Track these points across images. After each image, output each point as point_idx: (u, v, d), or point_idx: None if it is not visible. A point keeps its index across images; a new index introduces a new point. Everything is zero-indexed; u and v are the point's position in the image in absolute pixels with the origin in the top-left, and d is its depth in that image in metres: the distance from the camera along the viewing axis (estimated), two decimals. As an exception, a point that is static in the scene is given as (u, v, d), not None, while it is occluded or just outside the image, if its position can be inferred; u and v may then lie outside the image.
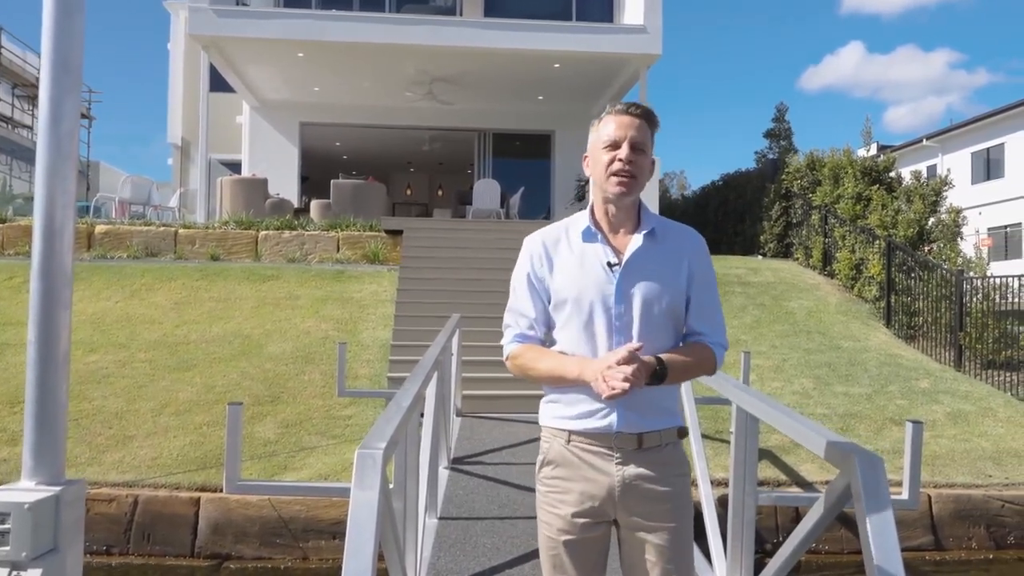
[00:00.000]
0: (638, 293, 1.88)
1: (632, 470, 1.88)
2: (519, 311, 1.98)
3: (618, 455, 1.88)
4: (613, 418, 1.87)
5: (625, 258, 1.90)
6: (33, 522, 1.25)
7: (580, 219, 1.98)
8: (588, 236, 1.94)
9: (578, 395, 1.89)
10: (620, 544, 1.96)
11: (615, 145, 1.90)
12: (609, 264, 1.90)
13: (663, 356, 1.84)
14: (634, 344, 1.80)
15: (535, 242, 1.99)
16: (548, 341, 1.98)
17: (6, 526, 1.24)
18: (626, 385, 1.71)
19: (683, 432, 1.98)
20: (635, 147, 1.89)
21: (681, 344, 1.96)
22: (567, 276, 1.92)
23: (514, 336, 1.98)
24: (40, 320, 1.34)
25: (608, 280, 1.89)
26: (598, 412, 1.88)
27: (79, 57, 1.35)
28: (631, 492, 1.88)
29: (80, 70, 1.35)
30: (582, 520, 1.89)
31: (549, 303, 1.95)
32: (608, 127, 1.92)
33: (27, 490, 1.33)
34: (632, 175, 1.88)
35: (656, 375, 1.80)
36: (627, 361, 1.74)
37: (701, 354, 1.93)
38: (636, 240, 1.92)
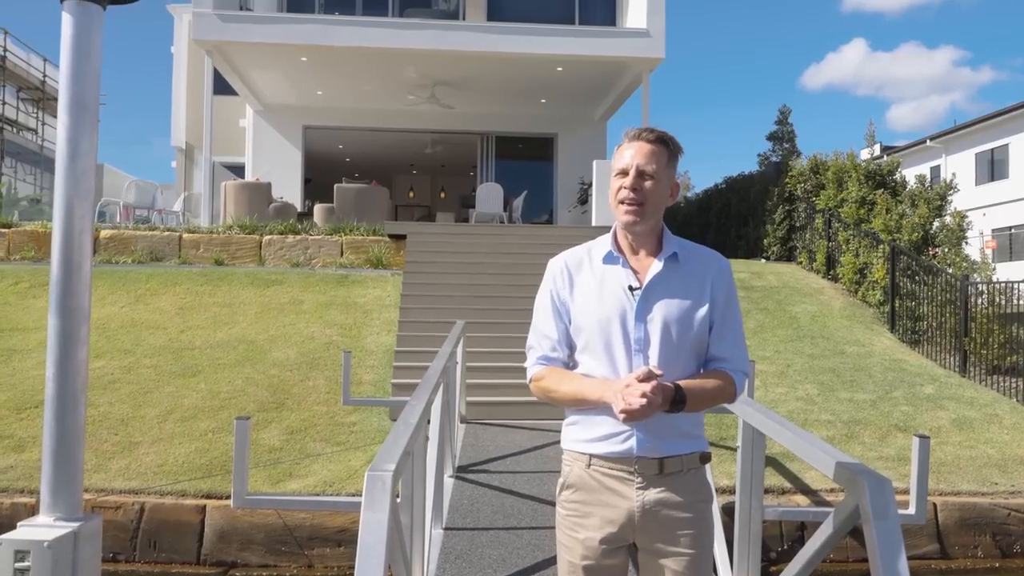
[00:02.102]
0: (658, 317, 1.88)
1: (653, 495, 1.88)
2: (542, 332, 1.99)
3: (639, 480, 1.88)
4: (633, 442, 1.87)
5: (646, 281, 1.91)
6: (52, 559, 1.26)
7: (603, 242, 2.00)
8: (610, 259, 1.96)
9: (599, 417, 1.89)
10: (638, 569, 1.96)
11: (624, 173, 1.92)
12: (630, 287, 1.91)
13: (681, 383, 1.83)
14: (655, 367, 1.80)
15: (558, 264, 2.01)
16: (572, 363, 1.98)
17: (26, 564, 1.25)
18: (643, 401, 1.70)
19: (706, 458, 1.97)
20: (642, 174, 1.90)
21: (702, 371, 1.95)
22: (587, 299, 1.93)
23: (537, 358, 1.99)
24: (58, 357, 1.35)
25: (628, 304, 1.89)
26: (619, 435, 1.88)
27: (95, 97, 1.37)
28: (651, 518, 1.88)
29: (96, 109, 1.37)
30: (603, 546, 1.89)
31: (570, 325, 1.96)
32: (620, 155, 1.95)
33: (45, 526, 1.34)
34: (639, 202, 1.90)
35: (674, 403, 1.80)
36: (646, 379, 1.74)
37: (722, 382, 1.92)
38: (657, 264, 1.92)
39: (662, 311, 1.89)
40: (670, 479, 1.89)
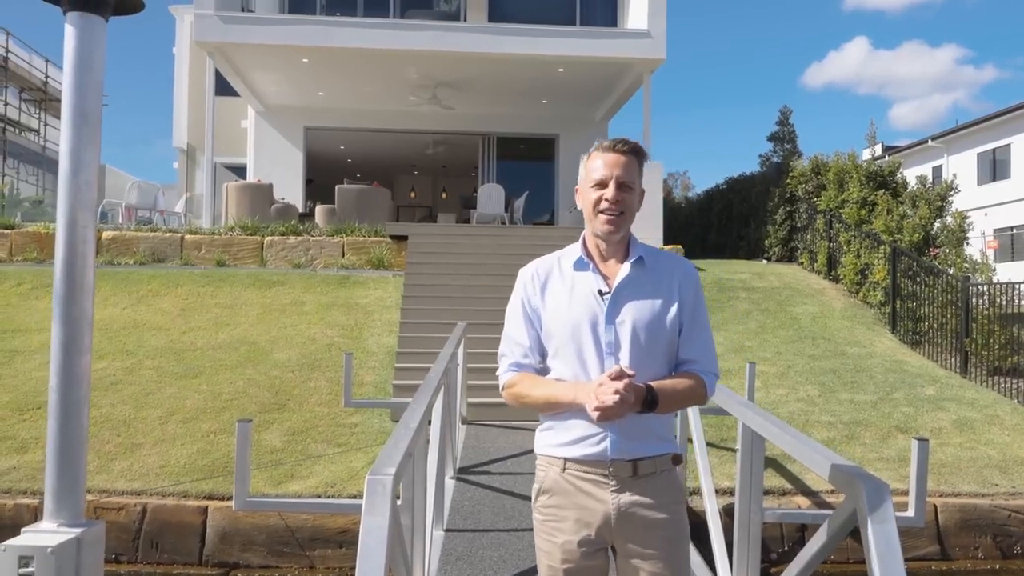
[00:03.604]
0: (628, 320, 1.92)
1: (627, 497, 1.91)
2: (514, 339, 2.02)
3: (613, 482, 1.91)
4: (607, 444, 1.90)
5: (615, 285, 1.95)
6: (56, 565, 1.28)
7: (572, 250, 2.04)
8: (580, 265, 2.00)
9: (573, 421, 1.92)
10: (618, 572, 1.99)
11: (602, 184, 1.96)
12: (600, 292, 1.95)
13: (653, 384, 1.87)
14: (626, 367, 1.83)
15: (528, 272, 2.05)
16: (544, 369, 2.01)
17: (30, 569, 1.26)
18: (616, 398, 1.74)
19: (678, 459, 2.01)
20: (621, 185, 1.96)
21: (673, 373, 1.99)
22: (559, 304, 1.97)
23: (509, 365, 2.02)
24: (61, 366, 1.37)
25: (599, 308, 1.93)
26: (592, 438, 1.91)
27: (98, 108, 1.38)
28: (627, 519, 1.91)
29: (99, 121, 1.39)
30: (581, 548, 1.92)
31: (541, 331, 1.99)
32: (596, 165, 1.99)
33: (49, 532, 1.35)
34: (620, 212, 1.95)
35: (646, 403, 1.83)
36: (617, 377, 1.78)
37: (692, 383, 1.96)
38: (625, 268, 1.97)
39: (632, 314, 1.93)
40: (643, 481, 1.92)
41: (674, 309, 1.96)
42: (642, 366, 1.89)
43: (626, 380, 1.77)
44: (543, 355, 2.00)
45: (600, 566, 1.96)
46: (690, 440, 4.74)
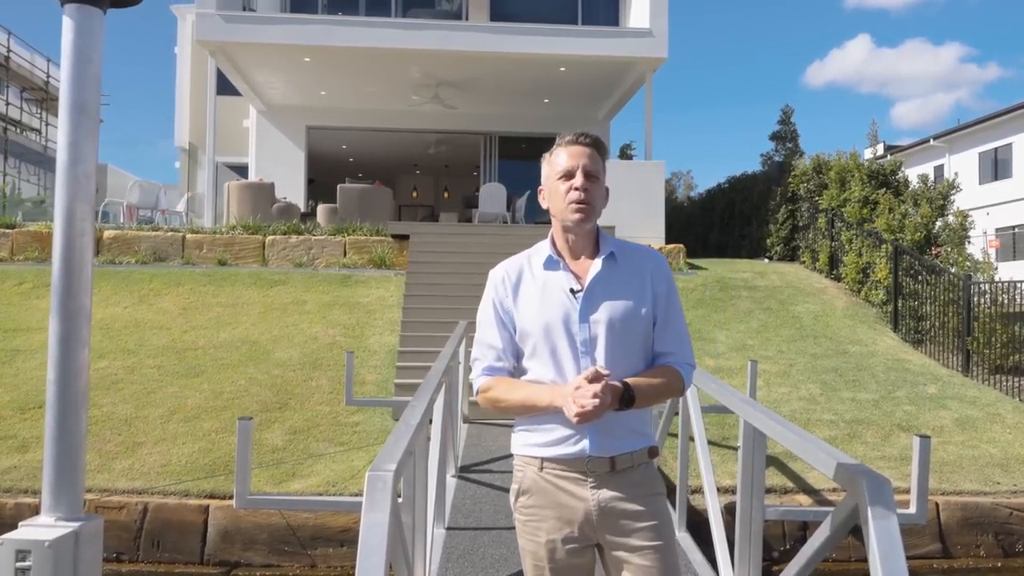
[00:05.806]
0: (602, 317, 1.91)
1: (607, 493, 1.90)
2: (487, 343, 2.00)
3: (592, 479, 1.90)
4: (585, 443, 1.89)
5: (586, 283, 1.93)
6: (53, 559, 1.27)
7: (542, 249, 2.03)
8: (550, 264, 1.98)
9: (551, 423, 1.91)
10: (605, 569, 1.98)
11: (569, 175, 1.95)
12: (572, 291, 1.93)
13: (629, 381, 1.85)
14: (602, 368, 1.81)
15: (499, 274, 2.03)
16: (518, 371, 2.00)
17: (27, 563, 1.26)
18: (596, 402, 1.72)
19: (654, 452, 2.00)
20: (588, 175, 1.94)
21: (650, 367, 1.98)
22: (531, 305, 1.95)
23: (483, 369, 2.00)
24: (59, 360, 1.36)
25: (571, 306, 1.92)
26: (571, 438, 1.90)
27: (96, 100, 1.38)
28: (609, 515, 1.90)
29: (97, 113, 1.38)
30: (566, 546, 1.92)
31: (515, 333, 1.98)
32: (561, 158, 1.98)
33: (46, 526, 1.35)
34: (588, 202, 1.94)
35: (624, 400, 1.82)
36: (594, 379, 1.76)
37: (669, 376, 1.94)
38: (596, 265, 1.95)
39: (606, 311, 1.91)
40: (621, 476, 1.92)
41: (648, 303, 1.95)
42: (618, 363, 1.88)
43: (603, 382, 1.76)
44: (517, 357, 1.99)
45: (586, 564, 1.96)
46: (691, 438, 4.73)
